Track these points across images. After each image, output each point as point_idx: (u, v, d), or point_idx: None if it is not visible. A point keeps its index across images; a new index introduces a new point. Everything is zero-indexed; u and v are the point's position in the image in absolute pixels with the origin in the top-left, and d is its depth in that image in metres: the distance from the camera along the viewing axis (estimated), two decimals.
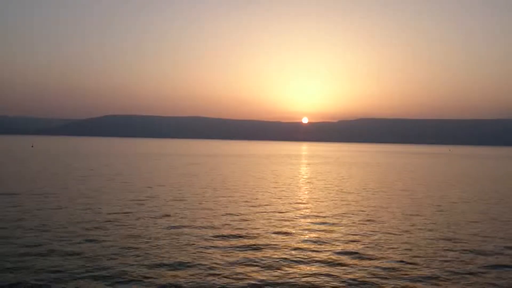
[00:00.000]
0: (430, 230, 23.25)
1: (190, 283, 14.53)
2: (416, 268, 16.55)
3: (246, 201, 32.43)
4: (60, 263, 16.30)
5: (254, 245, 19.45)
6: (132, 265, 16.22)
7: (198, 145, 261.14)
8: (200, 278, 14.99)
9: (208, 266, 16.25)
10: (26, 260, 16.53)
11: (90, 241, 19.52)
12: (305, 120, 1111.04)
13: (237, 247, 19.03)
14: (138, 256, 17.34)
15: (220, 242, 19.83)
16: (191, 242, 19.65)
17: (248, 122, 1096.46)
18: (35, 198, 31.47)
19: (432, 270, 16.37)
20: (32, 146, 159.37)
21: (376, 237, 21.47)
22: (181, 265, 16.34)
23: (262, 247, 19.15)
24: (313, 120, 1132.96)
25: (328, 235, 21.66)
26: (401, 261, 17.38)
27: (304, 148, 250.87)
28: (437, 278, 15.60)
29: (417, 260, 17.62)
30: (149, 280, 14.78)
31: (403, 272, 16.07)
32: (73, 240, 19.55)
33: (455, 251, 19.18)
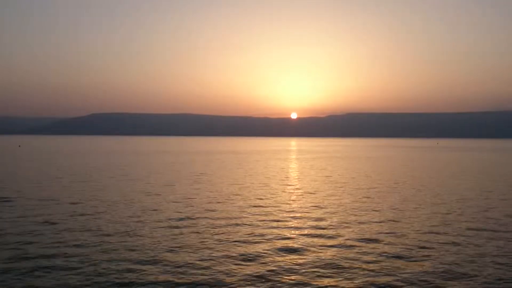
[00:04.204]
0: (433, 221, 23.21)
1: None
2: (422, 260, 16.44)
3: (247, 199, 32.18)
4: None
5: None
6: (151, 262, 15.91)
7: (187, 143, 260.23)
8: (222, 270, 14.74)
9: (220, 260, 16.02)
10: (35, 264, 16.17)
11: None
12: (294, 116, 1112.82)
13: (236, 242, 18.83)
14: (152, 253, 17.04)
15: (222, 236, 19.58)
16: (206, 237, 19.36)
17: (236, 118, 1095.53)
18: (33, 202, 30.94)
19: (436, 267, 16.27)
20: (19, 146, 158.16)
21: (377, 228, 21.35)
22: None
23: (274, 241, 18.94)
24: (302, 115, 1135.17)
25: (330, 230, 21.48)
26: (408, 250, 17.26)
27: (294, 144, 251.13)
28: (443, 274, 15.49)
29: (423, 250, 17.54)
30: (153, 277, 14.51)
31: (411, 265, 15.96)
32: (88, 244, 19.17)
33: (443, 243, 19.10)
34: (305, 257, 17.31)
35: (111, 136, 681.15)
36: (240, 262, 16.49)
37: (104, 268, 15.70)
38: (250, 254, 17.61)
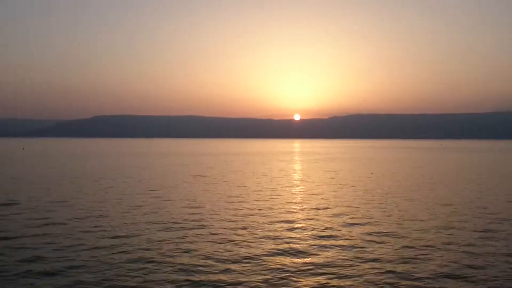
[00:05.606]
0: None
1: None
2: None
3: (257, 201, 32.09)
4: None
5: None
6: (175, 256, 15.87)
7: (191, 144, 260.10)
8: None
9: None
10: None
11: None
12: (297, 117, 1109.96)
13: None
14: (174, 250, 17.00)
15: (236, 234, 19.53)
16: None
17: (239, 120, 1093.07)
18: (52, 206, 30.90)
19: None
20: (23, 149, 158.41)
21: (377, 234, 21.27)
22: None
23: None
24: (305, 117, 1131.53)
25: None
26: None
27: (298, 145, 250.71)
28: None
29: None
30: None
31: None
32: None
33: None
34: (316, 259, 17.26)
35: (114, 138, 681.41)
36: (247, 262, 16.48)
37: (116, 269, 15.72)
38: (253, 255, 17.54)
